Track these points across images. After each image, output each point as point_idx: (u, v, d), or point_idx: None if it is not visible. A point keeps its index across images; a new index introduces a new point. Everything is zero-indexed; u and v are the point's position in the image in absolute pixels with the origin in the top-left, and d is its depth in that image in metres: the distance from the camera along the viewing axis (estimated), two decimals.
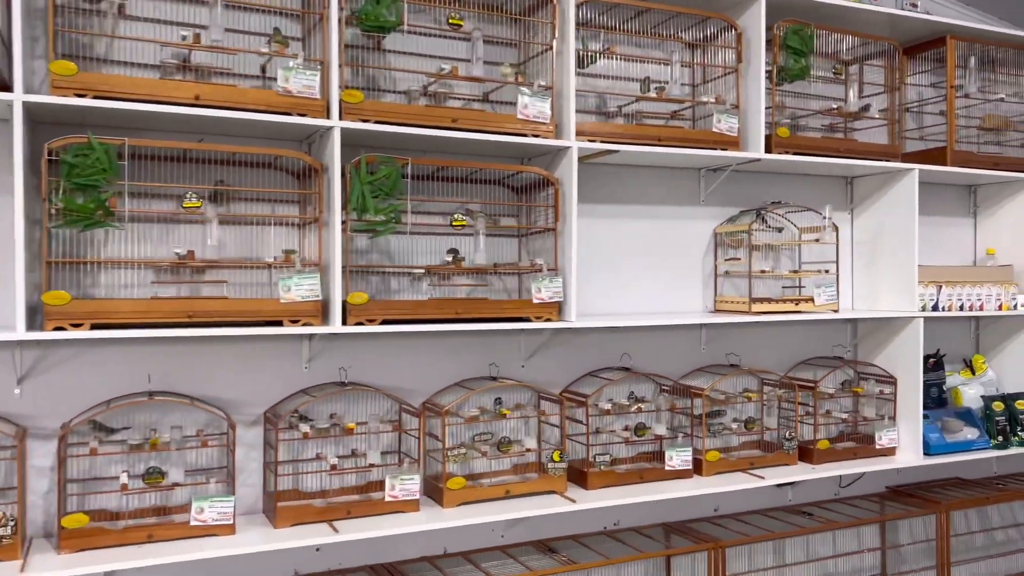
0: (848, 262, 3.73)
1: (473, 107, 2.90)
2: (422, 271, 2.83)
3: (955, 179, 3.81)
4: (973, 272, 3.63)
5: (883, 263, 3.58)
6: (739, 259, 3.34)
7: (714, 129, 3.06)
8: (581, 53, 2.92)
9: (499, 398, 2.95)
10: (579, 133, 2.84)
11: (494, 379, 2.96)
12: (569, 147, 2.80)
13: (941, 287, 3.51)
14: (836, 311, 3.33)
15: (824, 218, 3.33)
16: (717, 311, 3.36)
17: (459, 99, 2.93)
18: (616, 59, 3.11)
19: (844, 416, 3.45)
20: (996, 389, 3.87)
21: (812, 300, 3.29)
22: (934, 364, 3.70)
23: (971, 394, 3.80)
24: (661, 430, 3.09)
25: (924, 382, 3.63)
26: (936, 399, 3.68)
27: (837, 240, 3.39)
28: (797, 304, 3.27)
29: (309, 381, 2.75)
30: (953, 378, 3.86)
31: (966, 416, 3.71)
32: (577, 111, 3.10)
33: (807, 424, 3.42)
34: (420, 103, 2.79)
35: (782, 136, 3.18)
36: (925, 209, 3.87)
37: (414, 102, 2.79)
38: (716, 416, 3.30)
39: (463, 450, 2.77)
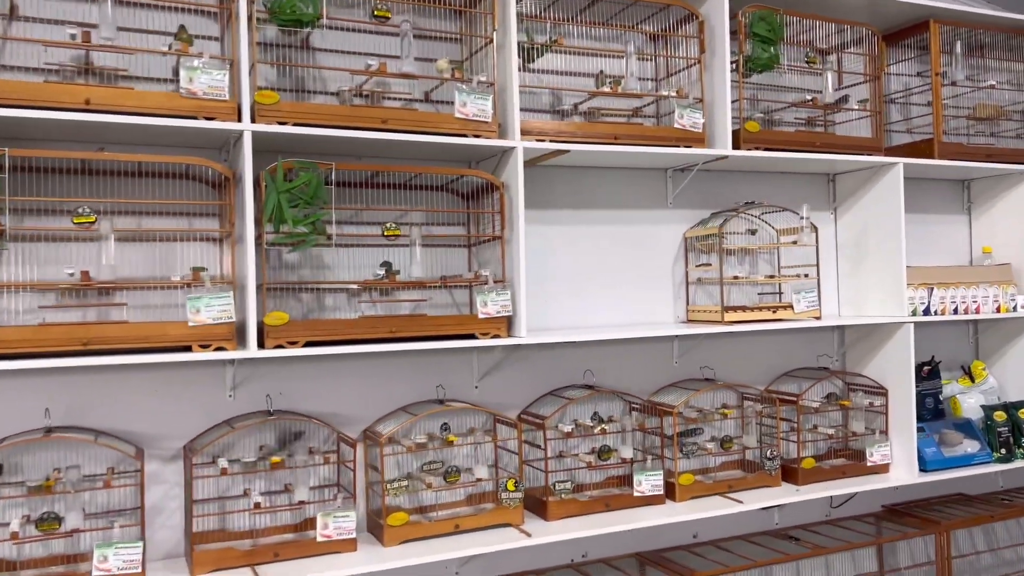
0: (832, 265, 3.48)
1: (414, 107, 2.67)
2: (356, 287, 2.59)
3: (946, 173, 3.56)
4: (967, 272, 3.38)
5: (869, 265, 3.33)
6: (710, 265, 3.09)
7: (676, 125, 2.82)
8: (526, 46, 2.69)
9: (446, 423, 2.71)
10: (526, 132, 2.61)
11: (441, 402, 2.71)
12: (514, 148, 2.56)
13: (932, 289, 3.26)
14: (818, 318, 3.08)
15: (801, 218, 3.09)
16: (689, 321, 3.11)
17: (397, 99, 2.71)
18: (568, 53, 2.88)
19: (831, 432, 3.18)
20: (998, 397, 3.60)
21: (791, 307, 3.04)
22: (929, 372, 3.44)
23: (971, 404, 3.54)
24: (628, 452, 2.84)
25: (918, 392, 3.37)
26: (932, 410, 3.42)
27: (817, 242, 3.14)
28: (775, 312, 3.02)
29: (235, 411, 2.52)
30: (951, 387, 3.59)
31: (966, 428, 3.44)
32: (529, 110, 2.89)
33: (792, 441, 3.16)
34: (355, 104, 2.56)
35: (751, 131, 2.94)
36: (915, 206, 3.62)
37: (347, 103, 2.57)
38: (691, 435, 3.05)
39: (405, 482, 2.52)
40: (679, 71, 3.02)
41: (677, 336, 3.13)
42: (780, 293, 3.30)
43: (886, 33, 3.50)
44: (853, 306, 3.41)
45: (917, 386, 3.38)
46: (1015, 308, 3.43)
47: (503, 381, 2.88)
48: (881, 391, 3.26)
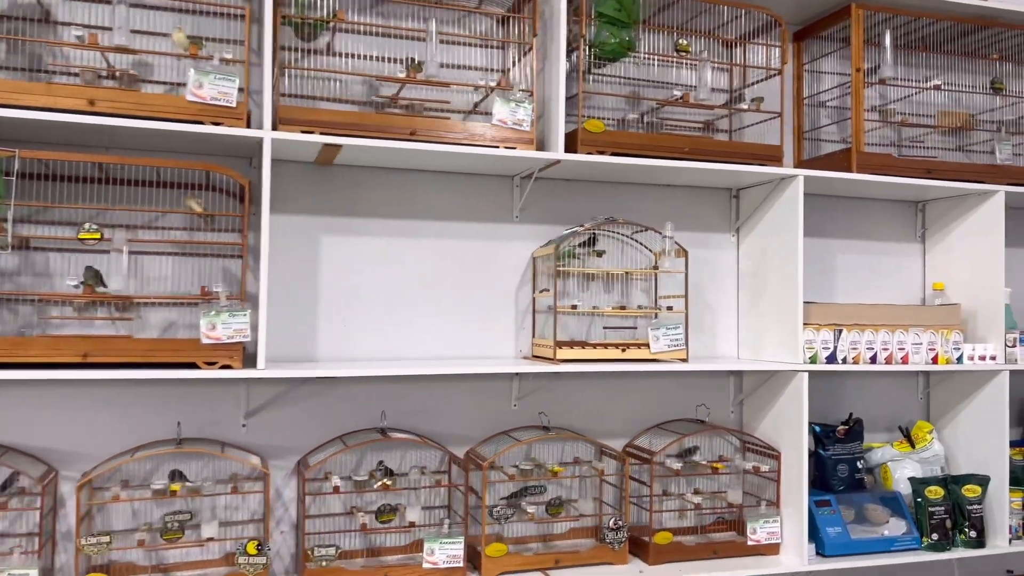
0: (733, 297, 2.90)
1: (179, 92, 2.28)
2: (37, 299, 2.19)
3: (892, 193, 2.94)
4: (894, 313, 2.74)
5: (767, 299, 2.74)
6: (548, 291, 2.57)
7: (495, 122, 2.33)
8: (295, 21, 2.26)
9: (176, 471, 2.27)
10: (287, 121, 2.17)
11: (179, 441, 2.28)
12: (261, 139, 2.13)
13: (841, 332, 2.65)
14: (684, 360, 2.52)
15: (664, 237, 2.54)
16: (534, 357, 2.59)
17: (164, 84, 2.32)
18: (360, 33, 2.43)
19: (696, 501, 2.60)
20: (941, 468, 2.93)
21: (648, 345, 2.49)
22: (846, 432, 2.81)
23: (905, 474, 2.89)
24: (415, 515, 2.34)
25: (828, 457, 2.76)
26: (846, 479, 2.79)
27: (686, 267, 2.58)
28: (624, 350, 2.48)
29: None
30: (883, 452, 2.94)
31: (894, 504, 2.80)
32: (325, 99, 2.45)
33: (654, 511, 2.60)
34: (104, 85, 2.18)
35: (592, 132, 2.42)
36: (864, 232, 3.04)
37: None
38: (527, 495, 2.53)
39: (104, 539, 2.09)
40: (516, 61, 2.53)
41: (519, 374, 2.62)
42: (634, 328, 2.75)
43: (809, 22, 2.93)
44: (751, 348, 2.82)
45: (827, 449, 2.77)
46: (959, 359, 2.77)
47: (282, 420, 2.42)
48: (773, 453, 2.66)
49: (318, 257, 2.47)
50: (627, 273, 2.70)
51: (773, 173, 2.59)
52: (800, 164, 2.95)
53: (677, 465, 2.56)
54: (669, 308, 2.59)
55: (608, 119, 2.72)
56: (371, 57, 2.47)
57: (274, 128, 2.18)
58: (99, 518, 2.25)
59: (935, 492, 2.75)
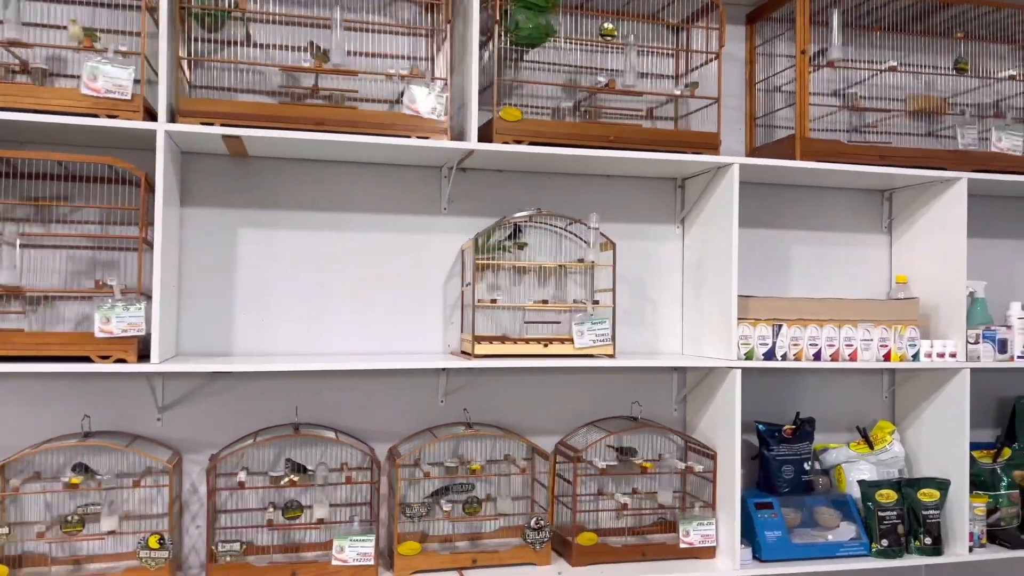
0: (678, 291, 2.80)
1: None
2: None
3: (847, 181, 2.81)
4: (843, 308, 2.61)
5: (707, 293, 2.64)
6: (468, 286, 2.51)
7: (406, 111, 2.28)
8: (197, 12, 2.23)
9: (80, 464, 2.27)
10: (190, 113, 2.15)
11: (86, 435, 2.28)
12: (155, 131, 2.11)
13: (780, 327, 2.53)
14: (611, 355, 2.44)
15: (590, 229, 2.46)
16: (462, 353, 2.54)
17: (76, 78, 2.32)
18: (269, 22, 2.40)
19: (625, 501, 2.51)
20: (900, 471, 2.79)
21: (572, 341, 2.42)
22: (794, 432, 2.69)
23: (860, 476, 2.75)
24: (322, 511, 2.30)
25: (772, 457, 2.65)
26: (792, 481, 2.67)
27: (614, 260, 2.50)
28: (546, 345, 2.41)
29: None
30: (838, 453, 2.82)
31: (844, 508, 2.68)
32: (242, 90, 2.43)
33: (605, 511, 2.53)
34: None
35: (508, 120, 2.35)
36: (829, 223, 2.92)
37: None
38: (448, 493, 2.48)
39: (3, 530, 2.10)
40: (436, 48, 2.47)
41: (446, 370, 2.57)
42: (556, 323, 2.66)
43: (760, 3, 2.81)
44: (694, 343, 2.72)
45: (771, 449, 2.66)
46: (914, 356, 2.63)
47: (199, 414, 2.41)
48: (708, 452, 2.56)
49: (235, 250, 2.45)
50: (561, 266, 2.63)
51: (707, 162, 2.48)
52: (753, 152, 2.83)
53: (602, 464, 2.48)
54: (596, 303, 2.50)
55: (543, 108, 2.65)
56: (284, 47, 2.44)
57: (173, 120, 2.16)
58: (12, 509, 2.27)
59: (887, 496, 2.61)
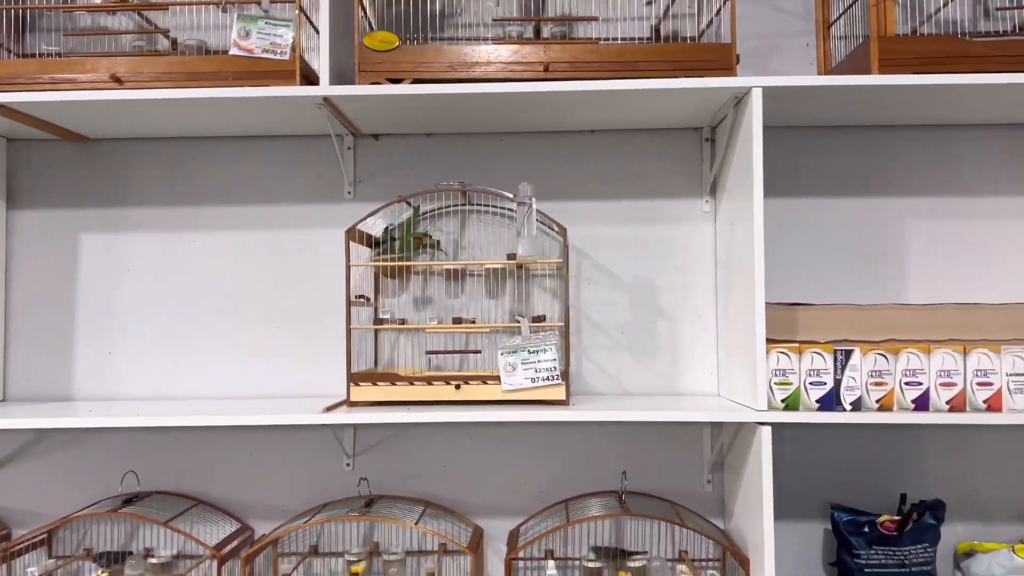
0: (710, 297, 1.84)
1: None
2: None
3: (985, 109, 1.72)
4: (970, 319, 1.53)
5: (734, 299, 1.67)
6: (365, 300, 1.73)
7: (233, 51, 1.59)
8: None
9: None
10: None
11: None
12: None
13: (849, 353, 1.51)
14: (563, 402, 1.57)
15: (520, 205, 1.60)
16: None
17: None
18: None
19: None
20: None
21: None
22: (898, 526, 1.63)
23: None
24: None
25: (862, 568, 1.63)
26: None
27: (566, 254, 1.62)
28: (458, 387, 1.58)
29: None
30: (999, 560, 1.69)
31: None
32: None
33: None
34: None
35: (375, 50, 1.57)
36: (945, 185, 1.84)
37: None
38: None
39: None
40: None
41: (354, 425, 1.81)
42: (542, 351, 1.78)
43: None
44: (727, 378, 1.75)
45: (856, 554, 1.63)
46: None
47: (32, 476, 1.85)
48: (737, 555, 1.59)
49: (77, 262, 1.87)
50: (490, 269, 1.78)
51: (708, 88, 1.53)
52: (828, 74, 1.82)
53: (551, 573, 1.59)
54: (540, 318, 1.62)
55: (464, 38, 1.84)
56: None
57: None
58: None
59: None
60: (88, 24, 1.86)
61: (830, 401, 1.50)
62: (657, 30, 1.83)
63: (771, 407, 1.50)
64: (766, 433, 1.46)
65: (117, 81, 1.60)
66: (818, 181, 1.83)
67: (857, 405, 1.50)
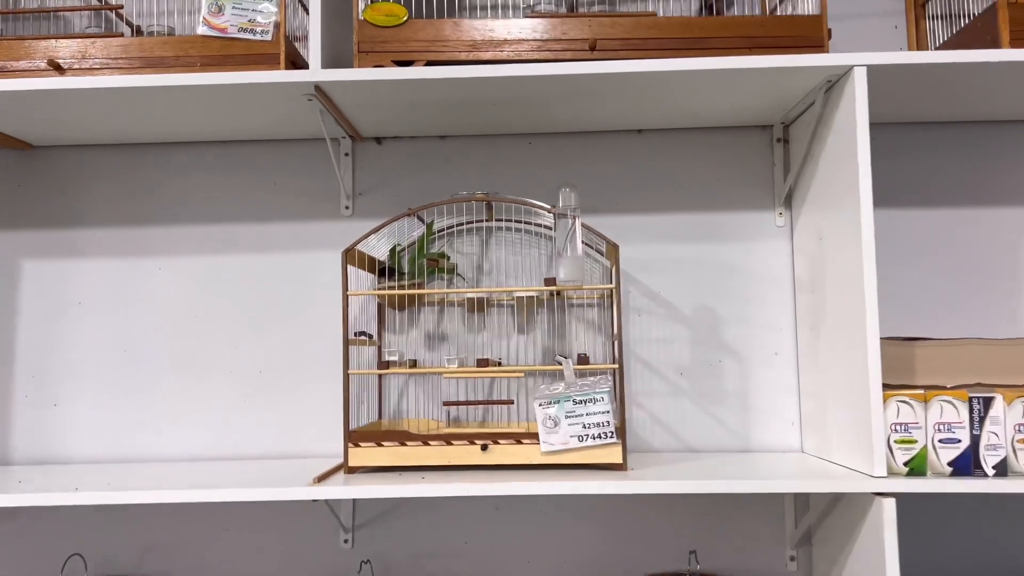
0: (790, 330, 1.51)
1: None
2: None
3: None
4: None
5: (826, 333, 1.34)
6: (367, 337, 1.40)
7: (200, 31, 1.28)
8: None
9: None
10: None
11: None
12: None
13: (990, 401, 1.17)
14: (620, 465, 1.23)
15: (560, 218, 1.27)
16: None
17: None
18: None
19: None
20: None
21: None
22: None
23: None
24: None
25: None
26: None
27: (616, 277, 1.28)
28: (485, 448, 1.25)
29: None
30: None
31: None
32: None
33: None
34: None
35: (377, 25, 1.25)
36: None
37: None
38: None
39: None
40: None
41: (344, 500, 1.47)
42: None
43: None
44: (817, 433, 1.41)
45: None
46: None
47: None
48: None
49: (15, 295, 1.54)
50: (516, 298, 1.44)
51: (796, 66, 1.22)
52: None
53: None
54: (584, 359, 1.29)
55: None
56: None
57: None
58: None
59: None
60: (26, 2, 1.55)
61: (967, 463, 1.16)
62: (709, 5, 1.52)
63: (891, 472, 1.17)
64: (889, 506, 1.12)
65: (57, 68, 1.28)
66: (922, 188, 1.51)
67: (1002, 469, 1.16)
